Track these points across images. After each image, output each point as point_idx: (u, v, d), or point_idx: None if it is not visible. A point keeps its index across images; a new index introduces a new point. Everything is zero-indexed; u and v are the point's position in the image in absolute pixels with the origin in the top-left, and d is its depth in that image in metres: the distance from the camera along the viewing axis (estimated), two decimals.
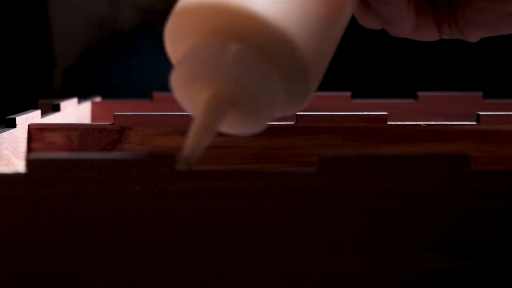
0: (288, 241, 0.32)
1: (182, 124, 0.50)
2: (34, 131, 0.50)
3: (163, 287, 0.32)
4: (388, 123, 0.50)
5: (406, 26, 0.39)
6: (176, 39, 0.35)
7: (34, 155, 0.31)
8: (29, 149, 0.50)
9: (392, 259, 0.32)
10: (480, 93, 0.65)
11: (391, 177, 0.32)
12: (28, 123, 0.50)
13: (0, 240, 0.32)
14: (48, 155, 0.31)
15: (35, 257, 0.32)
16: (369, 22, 0.39)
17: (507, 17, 0.38)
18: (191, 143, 0.33)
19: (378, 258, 0.32)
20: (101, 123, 0.50)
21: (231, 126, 0.35)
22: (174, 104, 0.64)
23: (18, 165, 0.48)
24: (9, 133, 0.47)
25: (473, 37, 0.40)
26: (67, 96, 0.63)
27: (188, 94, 0.35)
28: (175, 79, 0.35)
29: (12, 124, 0.48)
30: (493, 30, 0.39)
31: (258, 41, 0.33)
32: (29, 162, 0.31)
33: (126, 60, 1.02)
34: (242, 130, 0.35)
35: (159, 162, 0.31)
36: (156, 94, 0.65)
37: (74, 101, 0.61)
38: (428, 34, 0.40)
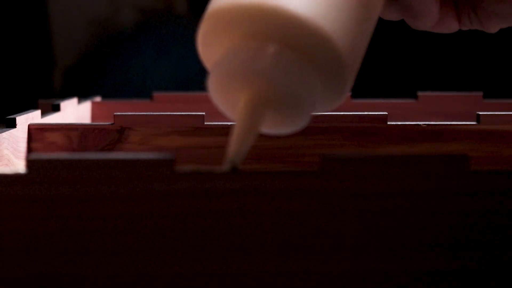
0: (288, 241, 0.32)
1: (182, 124, 0.50)
2: (34, 131, 0.50)
3: (163, 287, 0.32)
4: (388, 123, 0.50)
5: (431, 19, 0.39)
6: (209, 43, 0.35)
7: (34, 156, 0.31)
8: (29, 149, 0.50)
9: (392, 260, 0.32)
10: (480, 93, 0.65)
11: (391, 177, 0.32)
12: (28, 123, 0.50)
13: (0, 240, 0.32)
14: (48, 156, 0.31)
15: (35, 257, 0.32)
16: (390, 14, 0.40)
17: None
18: (235, 145, 0.33)
19: (378, 258, 0.32)
20: (101, 123, 0.50)
21: (270, 127, 0.35)
22: (174, 104, 0.64)
23: (18, 165, 0.48)
24: (9, 133, 0.47)
25: (492, 28, 0.40)
26: (67, 96, 0.63)
27: (225, 97, 0.35)
28: (212, 82, 0.35)
29: (12, 124, 0.48)
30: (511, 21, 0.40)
31: (295, 40, 0.33)
32: (29, 163, 0.31)
33: (126, 60, 1.02)
34: (282, 129, 0.36)
35: (159, 162, 0.31)
36: (156, 94, 0.65)
37: (74, 101, 0.61)
38: (449, 26, 0.40)
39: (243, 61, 0.33)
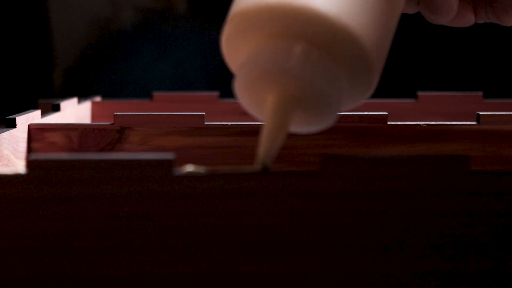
0: (289, 241, 0.32)
1: (182, 124, 0.50)
2: (34, 131, 0.50)
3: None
4: (388, 123, 0.50)
5: (451, 13, 0.40)
6: (234, 45, 0.35)
7: (34, 156, 0.31)
8: (29, 149, 0.50)
9: (392, 260, 0.32)
10: (480, 93, 0.65)
11: (391, 178, 0.32)
12: (28, 123, 0.50)
13: (0, 240, 0.32)
14: (48, 156, 0.31)
15: (34, 257, 0.32)
16: (408, 8, 0.40)
17: None
18: (265, 146, 0.33)
19: (378, 258, 0.32)
20: (101, 123, 0.50)
21: (299, 125, 0.35)
22: (174, 104, 0.64)
23: (18, 165, 0.48)
24: (9, 133, 0.47)
25: (508, 21, 0.41)
26: (67, 96, 0.63)
27: (252, 98, 0.35)
28: (239, 84, 0.35)
29: (12, 124, 0.48)
30: None
31: (321, 39, 0.33)
32: (29, 163, 0.31)
33: (126, 60, 1.02)
34: (311, 127, 0.36)
35: (159, 163, 0.31)
36: (156, 94, 0.65)
37: (74, 101, 0.61)
38: (466, 20, 0.41)
39: (271, 60, 0.33)
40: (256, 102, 0.35)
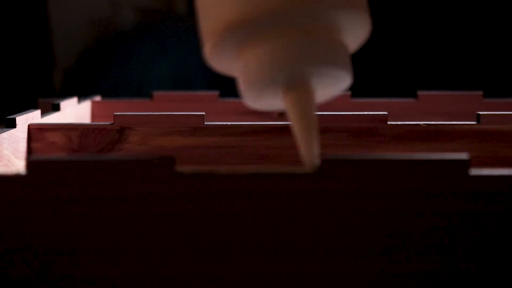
0: (288, 242, 0.32)
1: (182, 124, 0.50)
2: (34, 131, 0.50)
3: None
4: (388, 123, 0.50)
5: None
6: (219, 55, 0.35)
7: (34, 157, 0.31)
8: (29, 149, 0.50)
9: (391, 260, 0.32)
10: (480, 93, 0.65)
11: (391, 178, 0.32)
12: (28, 123, 0.50)
13: (0, 241, 0.32)
14: (48, 157, 0.31)
15: (34, 257, 0.32)
16: None
17: None
18: (308, 148, 0.34)
19: (377, 259, 0.32)
20: (101, 123, 0.50)
21: (324, 94, 0.36)
22: (174, 104, 0.64)
23: (18, 165, 0.48)
24: (9, 133, 0.47)
25: None
26: (67, 95, 0.63)
27: (264, 102, 0.36)
28: (251, 97, 0.35)
29: (12, 124, 0.48)
30: None
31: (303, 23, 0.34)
32: (29, 164, 0.31)
33: (126, 60, 1.02)
34: (333, 92, 0.36)
35: (159, 163, 0.31)
36: (156, 94, 0.65)
37: (74, 100, 0.61)
38: None
39: (276, 65, 0.33)
40: (268, 104, 0.36)
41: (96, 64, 1.02)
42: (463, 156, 0.32)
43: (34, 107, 0.55)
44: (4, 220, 0.32)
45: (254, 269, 0.32)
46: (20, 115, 0.49)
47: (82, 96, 0.65)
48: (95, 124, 0.50)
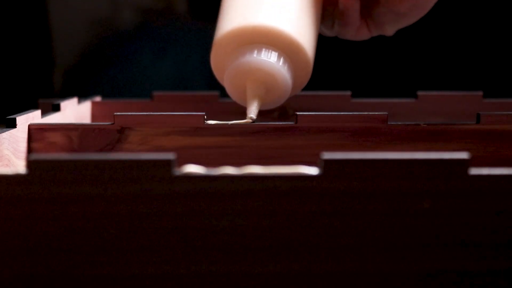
0: (289, 242, 0.32)
1: (182, 124, 0.50)
2: (34, 131, 0.50)
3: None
4: (388, 123, 0.50)
5: (354, 26, 0.54)
6: (220, 59, 0.51)
7: (34, 156, 0.31)
8: (29, 149, 0.50)
9: (392, 260, 0.32)
10: (480, 93, 0.65)
11: (391, 178, 0.32)
12: (28, 123, 0.50)
13: (1, 241, 0.32)
14: (48, 156, 0.31)
15: (34, 257, 0.32)
16: (325, 31, 0.55)
17: (400, 15, 0.54)
18: (250, 107, 0.50)
19: (378, 259, 0.32)
20: (101, 123, 0.50)
21: (265, 104, 0.52)
22: (174, 104, 0.64)
23: (19, 165, 0.48)
24: (9, 133, 0.47)
25: (389, 31, 0.55)
26: (67, 96, 0.63)
27: (238, 90, 0.51)
28: (227, 80, 0.51)
29: (12, 124, 0.48)
30: (398, 24, 0.55)
31: (279, 45, 0.50)
32: (29, 163, 0.31)
33: (126, 60, 1.02)
34: (270, 104, 0.52)
35: (159, 163, 0.31)
36: (156, 94, 0.65)
37: (74, 101, 0.61)
38: (364, 34, 0.55)
39: (245, 58, 0.50)
40: (240, 92, 0.51)
41: (96, 64, 1.02)
42: (463, 156, 0.32)
43: (34, 107, 0.55)
44: (4, 219, 0.32)
45: (254, 268, 0.32)
46: (20, 115, 0.49)
47: (82, 97, 0.65)
48: (95, 124, 0.50)
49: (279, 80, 0.50)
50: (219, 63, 0.52)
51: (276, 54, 0.50)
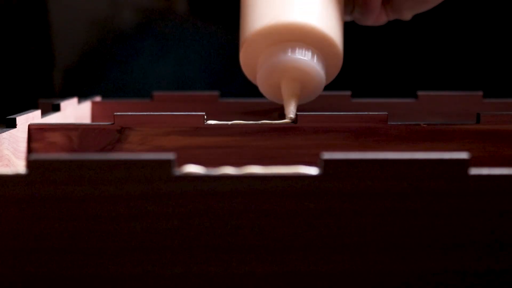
0: (289, 242, 0.32)
1: (182, 124, 0.50)
2: (34, 131, 0.50)
3: None
4: (388, 123, 0.50)
5: (375, 16, 0.55)
6: (250, 58, 0.51)
7: (34, 156, 0.31)
8: (29, 149, 0.50)
9: (392, 260, 0.32)
10: (480, 93, 0.65)
11: (391, 178, 0.32)
12: (28, 123, 0.50)
13: (1, 241, 0.32)
14: (48, 156, 0.31)
15: (35, 257, 0.32)
16: (344, 16, 0.54)
17: (421, 1, 0.55)
18: (287, 107, 0.50)
19: (378, 259, 0.32)
20: (101, 123, 0.50)
21: (301, 99, 0.52)
22: (174, 104, 0.64)
23: (19, 165, 0.48)
24: (9, 133, 0.47)
25: (407, 16, 0.56)
26: (67, 96, 0.63)
27: (271, 87, 0.51)
28: (261, 78, 0.51)
29: (12, 124, 0.48)
30: (417, 10, 0.56)
31: (310, 41, 0.50)
32: (30, 163, 0.31)
33: (126, 60, 1.02)
34: (307, 98, 0.52)
35: (159, 163, 0.31)
36: (156, 94, 0.65)
37: (74, 101, 0.61)
38: (382, 19, 0.56)
39: (280, 57, 0.50)
40: (274, 90, 0.51)
41: (96, 64, 1.01)
42: (463, 155, 0.32)
43: (34, 107, 0.55)
44: (4, 219, 0.32)
45: (254, 268, 0.32)
46: (20, 115, 0.49)
47: (82, 97, 0.65)
48: (95, 124, 0.50)
49: (315, 77, 0.50)
50: (250, 61, 0.52)
51: (310, 51, 0.50)
